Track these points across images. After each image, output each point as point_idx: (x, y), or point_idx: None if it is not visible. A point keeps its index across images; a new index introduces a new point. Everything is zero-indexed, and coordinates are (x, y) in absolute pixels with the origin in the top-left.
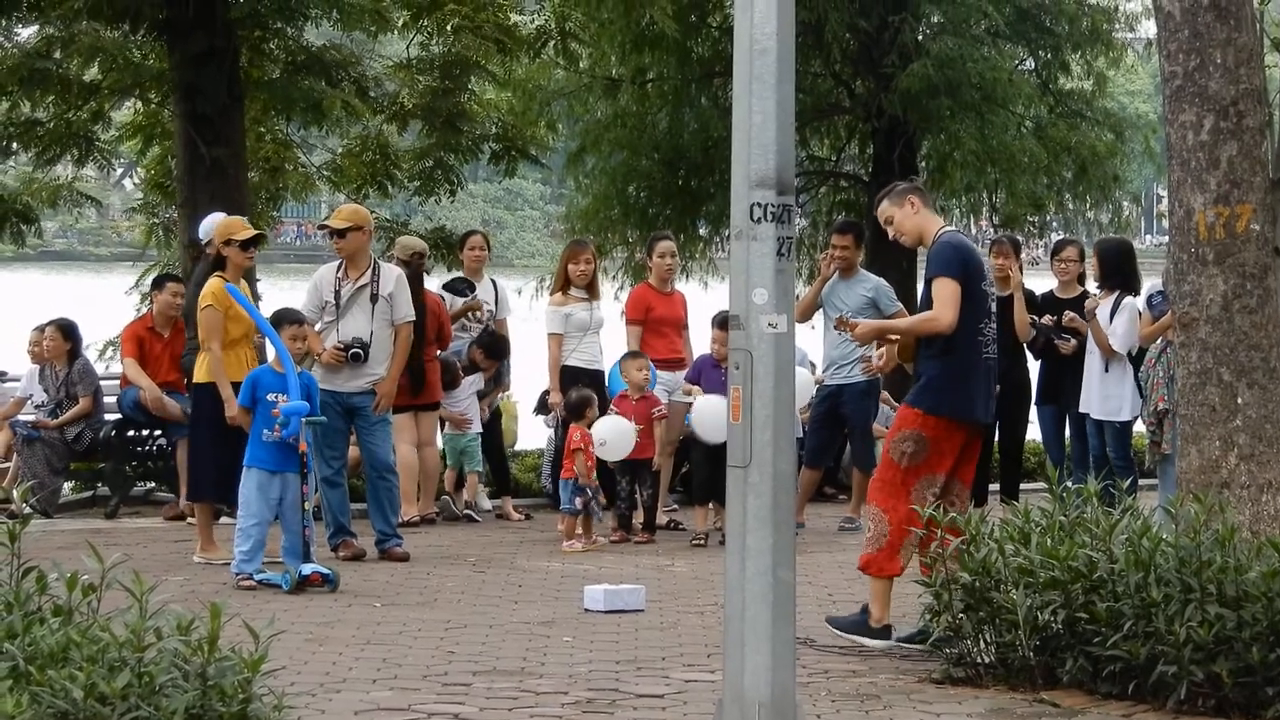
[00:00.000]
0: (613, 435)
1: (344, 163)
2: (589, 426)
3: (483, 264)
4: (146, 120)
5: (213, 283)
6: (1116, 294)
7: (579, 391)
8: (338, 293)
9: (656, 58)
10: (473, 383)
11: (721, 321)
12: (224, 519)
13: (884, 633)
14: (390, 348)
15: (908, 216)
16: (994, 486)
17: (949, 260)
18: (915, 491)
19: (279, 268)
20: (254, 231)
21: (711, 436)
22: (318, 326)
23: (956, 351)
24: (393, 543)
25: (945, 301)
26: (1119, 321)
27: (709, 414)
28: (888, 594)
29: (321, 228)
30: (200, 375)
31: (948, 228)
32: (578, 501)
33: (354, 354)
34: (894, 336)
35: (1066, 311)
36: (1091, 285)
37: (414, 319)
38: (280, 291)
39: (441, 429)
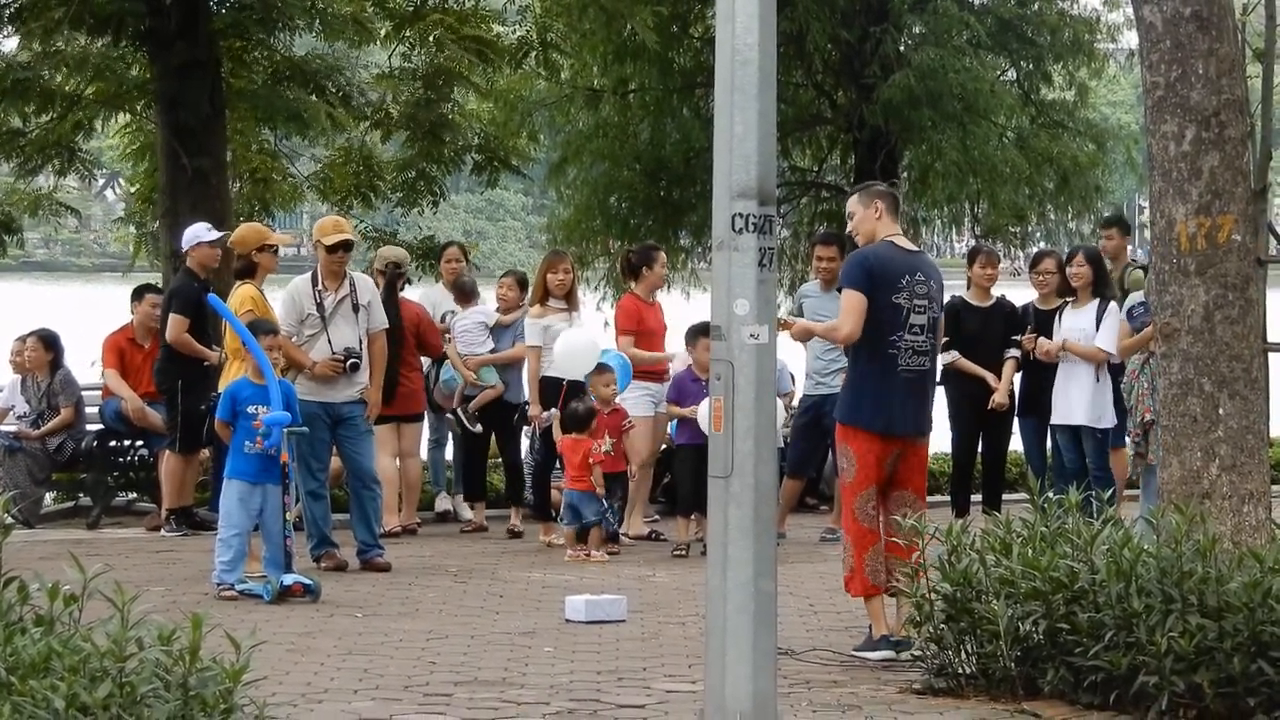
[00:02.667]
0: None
1: (331, 173)
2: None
3: (459, 275)
4: (137, 132)
5: (247, 289)
6: (1099, 301)
7: (582, 404)
8: (320, 304)
9: (638, 69)
10: (477, 313)
11: (703, 330)
12: (205, 532)
13: (880, 644)
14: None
15: (867, 219)
16: (976, 497)
17: (852, 272)
18: (856, 508)
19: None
20: (291, 236)
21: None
22: (294, 339)
23: (863, 362)
24: (374, 553)
25: (846, 311)
26: (1105, 327)
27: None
28: (878, 608)
29: (337, 246)
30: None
31: (893, 239)
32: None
33: (352, 364)
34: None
35: (1040, 340)
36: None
37: (388, 327)
38: None
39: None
